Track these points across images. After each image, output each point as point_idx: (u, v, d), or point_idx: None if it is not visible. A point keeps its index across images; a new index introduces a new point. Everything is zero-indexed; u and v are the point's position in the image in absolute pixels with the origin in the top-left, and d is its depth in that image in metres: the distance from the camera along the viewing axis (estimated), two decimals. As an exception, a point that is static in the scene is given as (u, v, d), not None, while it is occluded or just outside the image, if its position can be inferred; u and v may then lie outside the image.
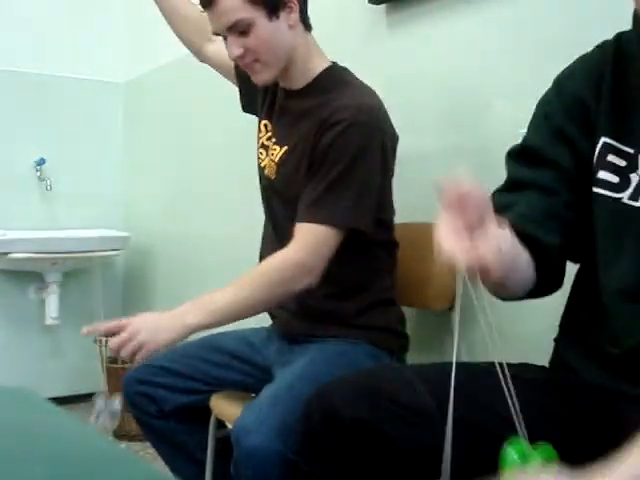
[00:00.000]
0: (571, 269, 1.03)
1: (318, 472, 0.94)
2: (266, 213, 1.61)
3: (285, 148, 1.48)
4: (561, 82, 1.01)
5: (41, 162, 3.03)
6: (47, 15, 3.05)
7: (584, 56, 1.00)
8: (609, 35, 0.99)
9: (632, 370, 0.89)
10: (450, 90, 1.67)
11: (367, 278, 1.49)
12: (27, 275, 2.96)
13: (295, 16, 1.42)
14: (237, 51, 1.41)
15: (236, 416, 1.24)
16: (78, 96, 3.16)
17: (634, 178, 0.89)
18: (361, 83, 1.47)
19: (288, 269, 1.36)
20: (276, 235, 1.54)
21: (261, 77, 1.46)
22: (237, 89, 1.71)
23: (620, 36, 0.96)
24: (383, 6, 1.83)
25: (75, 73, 3.13)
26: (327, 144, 1.37)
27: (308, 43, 1.48)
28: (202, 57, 1.76)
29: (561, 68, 1.03)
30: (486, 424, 0.87)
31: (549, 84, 1.04)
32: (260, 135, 1.59)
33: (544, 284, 0.96)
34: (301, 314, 1.49)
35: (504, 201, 0.95)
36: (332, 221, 1.37)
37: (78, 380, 3.06)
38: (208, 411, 1.55)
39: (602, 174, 0.92)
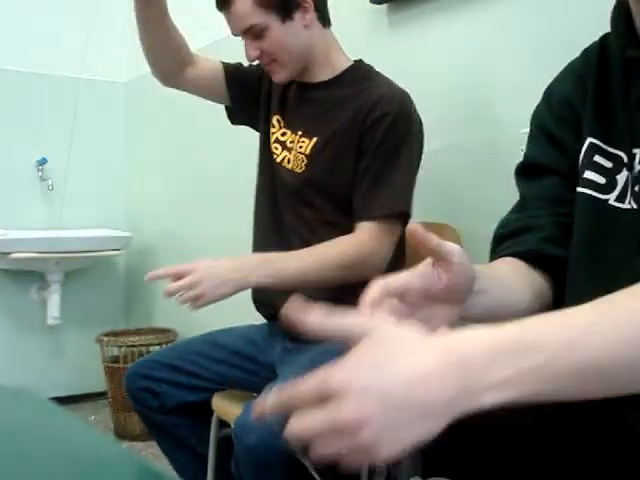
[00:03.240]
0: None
1: (320, 469, 0.94)
2: (265, 208, 1.58)
3: (316, 139, 1.48)
4: (550, 90, 1.02)
5: (43, 162, 3.03)
6: (48, 15, 3.06)
7: (572, 62, 1.01)
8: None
9: None
10: (451, 90, 1.67)
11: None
12: (29, 275, 2.96)
13: (310, 16, 1.45)
14: (254, 53, 1.45)
15: (237, 415, 1.24)
16: (79, 96, 3.15)
17: (621, 179, 0.88)
18: (390, 79, 1.50)
19: (363, 258, 1.37)
20: (279, 232, 1.53)
21: (279, 76, 1.49)
22: (220, 104, 1.70)
23: (606, 37, 0.97)
24: (385, 6, 1.83)
25: (76, 73, 3.13)
26: (380, 136, 1.39)
27: (327, 39, 1.51)
28: (176, 81, 1.69)
29: (563, 67, 1.03)
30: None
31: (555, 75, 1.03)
32: (273, 131, 1.58)
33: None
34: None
35: (521, 224, 0.96)
36: (395, 212, 1.39)
37: (79, 380, 3.06)
38: (210, 407, 1.55)
39: (588, 174, 0.91)
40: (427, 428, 0.50)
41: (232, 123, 1.72)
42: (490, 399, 0.51)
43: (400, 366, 0.50)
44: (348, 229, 1.42)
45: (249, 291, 1.64)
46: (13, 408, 0.79)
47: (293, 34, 1.44)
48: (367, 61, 1.57)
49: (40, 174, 3.04)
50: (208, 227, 2.69)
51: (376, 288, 0.68)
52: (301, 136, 1.51)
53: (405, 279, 0.69)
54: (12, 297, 3.00)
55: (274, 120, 1.58)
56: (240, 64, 1.67)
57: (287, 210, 1.52)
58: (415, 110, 1.46)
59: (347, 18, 1.94)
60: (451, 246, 0.68)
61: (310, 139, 1.49)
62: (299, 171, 1.49)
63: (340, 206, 1.44)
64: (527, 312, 0.88)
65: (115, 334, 2.84)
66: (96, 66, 3.18)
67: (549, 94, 1.01)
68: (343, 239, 1.40)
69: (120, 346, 2.71)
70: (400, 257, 1.52)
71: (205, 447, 1.57)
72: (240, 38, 1.49)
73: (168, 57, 1.61)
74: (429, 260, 0.69)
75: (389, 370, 0.50)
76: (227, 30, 1.54)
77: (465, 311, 0.75)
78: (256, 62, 1.53)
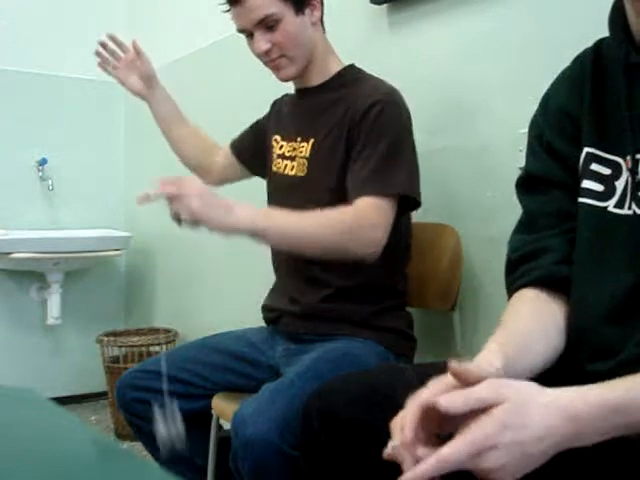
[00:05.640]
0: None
1: (317, 470, 0.94)
2: None
3: (313, 140, 1.49)
4: (546, 100, 1.01)
5: (43, 162, 3.03)
6: (48, 15, 3.06)
7: (565, 70, 1.00)
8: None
9: None
10: (451, 90, 1.67)
11: (385, 280, 1.48)
12: (29, 275, 2.97)
13: (318, 14, 1.49)
14: (265, 46, 1.44)
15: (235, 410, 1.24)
16: (80, 96, 3.16)
17: (619, 185, 0.88)
18: (379, 78, 1.51)
19: (363, 227, 1.33)
20: None
21: (286, 72, 1.49)
22: (241, 131, 1.76)
23: (600, 42, 0.96)
24: (385, 6, 1.83)
25: (77, 73, 3.13)
26: (370, 122, 1.39)
27: (326, 42, 1.54)
28: (210, 177, 1.78)
29: (562, 67, 1.03)
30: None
31: (550, 84, 1.03)
32: (273, 151, 1.60)
33: None
34: (310, 315, 1.48)
35: (532, 248, 0.95)
36: (391, 191, 1.36)
37: (79, 380, 3.07)
38: (207, 416, 1.53)
39: (586, 183, 0.91)
40: (539, 463, 0.67)
41: (255, 175, 1.76)
42: (590, 442, 0.68)
43: (533, 426, 0.66)
44: None
45: (252, 296, 1.64)
46: (13, 408, 0.79)
47: (304, 28, 1.46)
48: (367, 61, 1.57)
49: (40, 174, 3.04)
50: (208, 227, 2.69)
51: (413, 410, 0.70)
52: (300, 141, 1.52)
53: (435, 397, 0.70)
54: (12, 297, 3.00)
55: (273, 141, 1.61)
56: (243, 133, 1.75)
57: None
58: (405, 104, 1.45)
59: (347, 18, 1.94)
60: (489, 372, 0.73)
61: (308, 142, 1.51)
62: (301, 175, 1.50)
63: (335, 195, 1.43)
64: (554, 352, 0.90)
65: (115, 334, 2.84)
66: (97, 66, 3.18)
67: (545, 104, 1.00)
68: (344, 207, 1.35)
69: (120, 346, 2.72)
70: (407, 245, 1.53)
71: (203, 458, 1.55)
72: (244, 35, 1.48)
73: (197, 158, 1.82)
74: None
75: (524, 430, 0.66)
76: (226, 31, 1.54)
77: None
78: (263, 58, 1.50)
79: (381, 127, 1.39)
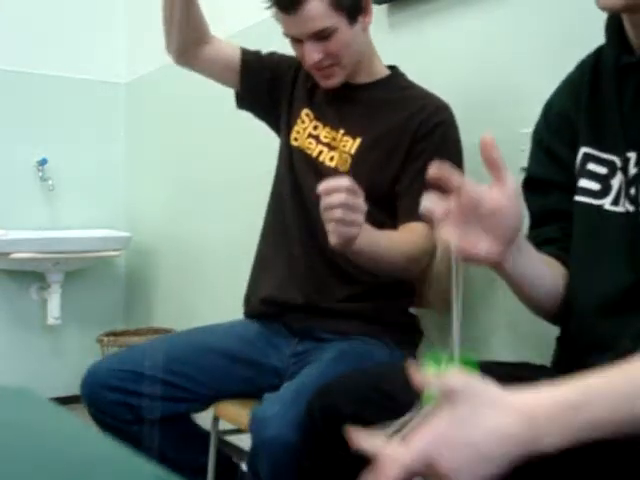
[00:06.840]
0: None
1: (320, 467, 0.94)
2: (289, 207, 1.52)
3: (360, 140, 1.46)
4: (548, 106, 1.04)
5: (43, 162, 3.04)
6: (48, 15, 3.06)
7: (568, 76, 1.04)
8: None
9: None
10: (451, 90, 1.67)
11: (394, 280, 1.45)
12: (29, 275, 2.97)
13: (369, 19, 1.46)
14: (317, 56, 1.42)
15: (248, 415, 1.21)
16: (80, 96, 3.16)
17: (615, 184, 0.90)
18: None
19: (423, 253, 1.35)
20: (307, 231, 1.47)
21: (335, 80, 1.47)
22: (230, 88, 1.65)
23: (601, 49, 0.99)
24: (385, 6, 1.83)
25: (77, 73, 3.14)
26: (435, 144, 1.41)
27: (371, 44, 1.53)
28: (190, 58, 1.60)
29: (563, 67, 1.03)
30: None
31: (551, 83, 1.05)
32: (304, 126, 1.54)
33: None
34: (317, 312, 1.45)
35: (538, 239, 0.99)
36: None
37: (79, 380, 3.05)
38: (186, 418, 1.47)
39: (583, 182, 0.94)
40: (499, 469, 0.62)
41: (238, 107, 1.67)
42: (548, 448, 0.62)
43: (483, 428, 0.62)
44: (387, 227, 1.37)
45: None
46: (13, 408, 0.79)
47: (356, 37, 1.44)
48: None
49: (40, 174, 3.04)
50: (207, 227, 2.69)
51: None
52: (344, 135, 1.48)
53: (462, 180, 0.77)
54: (12, 297, 3.00)
55: (303, 114, 1.55)
56: (259, 51, 1.62)
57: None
58: None
59: (347, 18, 1.94)
60: (510, 175, 0.78)
61: (354, 139, 1.47)
62: (344, 170, 1.46)
63: (380, 204, 1.40)
64: (554, 289, 0.95)
65: (115, 334, 2.84)
66: (97, 67, 3.19)
67: (547, 109, 1.04)
68: (413, 230, 1.35)
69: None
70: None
71: (186, 459, 1.48)
72: (289, 39, 1.46)
73: (189, 31, 1.53)
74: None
75: (474, 432, 0.62)
76: (242, 23, 1.51)
77: (506, 262, 0.83)
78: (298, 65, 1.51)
79: (444, 152, 1.39)
